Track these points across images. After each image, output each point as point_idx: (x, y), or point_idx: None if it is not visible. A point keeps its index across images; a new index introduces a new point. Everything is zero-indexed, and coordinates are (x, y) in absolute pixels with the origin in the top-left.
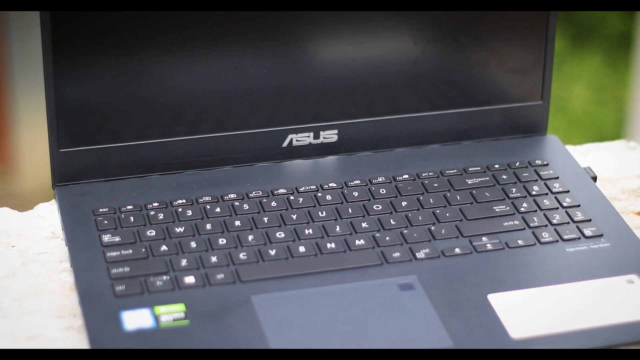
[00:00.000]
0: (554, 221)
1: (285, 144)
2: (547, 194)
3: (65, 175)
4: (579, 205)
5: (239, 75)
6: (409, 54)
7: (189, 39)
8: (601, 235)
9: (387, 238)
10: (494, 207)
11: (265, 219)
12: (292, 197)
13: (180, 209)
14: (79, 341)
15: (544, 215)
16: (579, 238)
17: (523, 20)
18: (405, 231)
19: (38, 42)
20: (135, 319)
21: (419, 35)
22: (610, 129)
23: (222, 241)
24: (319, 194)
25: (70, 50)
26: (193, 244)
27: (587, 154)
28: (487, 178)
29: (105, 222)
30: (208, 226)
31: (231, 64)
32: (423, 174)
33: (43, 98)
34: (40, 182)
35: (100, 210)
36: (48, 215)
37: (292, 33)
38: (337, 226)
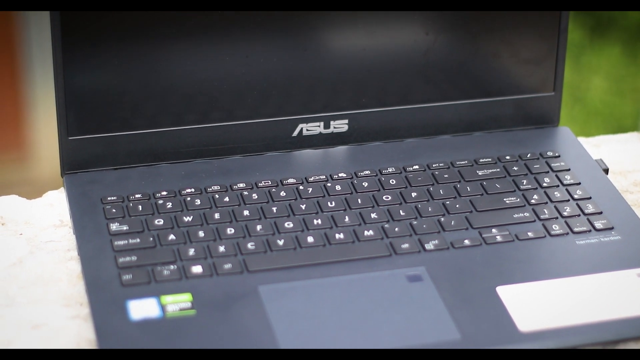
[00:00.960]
0: (565, 213)
1: (295, 133)
2: (558, 186)
3: (74, 163)
4: (590, 198)
5: (250, 64)
6: (421, 44)
7: (200, 28)
8: (612, 228)
9: (396, 229)
10: (504, 199)
11: (274, 209)
12: (301, 187)
13: (188, 198)
14: (85, 330)
15: (555, 207)
16: (590, 231)
17: (536, 11)
18: (415, 222)
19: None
20: (142, 309)
21: (431, 25)
22: (629, 120)
23: (230, 231)
24: (329, 184)
25: (79, 38)
26: (201, 234)
27: (600, 146)
28: (498, 169)
29: (114, 210)
30: (216, 215)
31: (242, 52)
32: (433, 165)
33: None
34: (55, 170)
35: (109, 198)
36: (56, 203)
37: (303, 22)
38: (346, 217)
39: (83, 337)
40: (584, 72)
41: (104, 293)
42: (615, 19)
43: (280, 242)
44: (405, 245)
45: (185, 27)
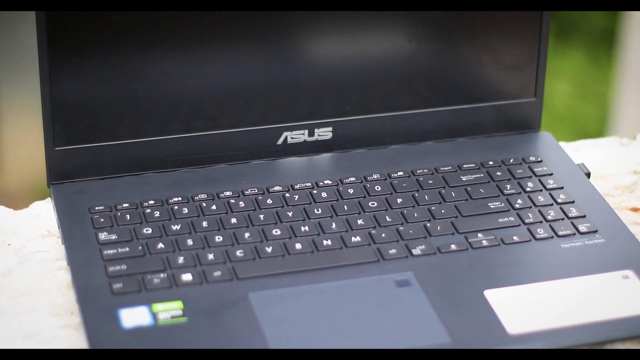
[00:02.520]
0: (549, 217)
1: (280, 141)
2: (541, 190)
3: (61, 174)
4: (574, 202)
5: (235, 73)
6: (404, 52)
7: (185, 37)
8: (596, 231)
9: (383, 235)
10: (489, 204)
11: (261, 216)
12: (287, 195)
13: (176, 207)
14: (77, 339)
15: (539, 211)
16: (574, 234)
17: (517, 17)
18: (401, 228)
19: (22, 41)
20: (133, 317)
21: (413, 32)
22: (593, 125)
23: (218, 238)
24: (315, 191)
25: (66, 48)
26: (189, 242)
27: (580, 151)
28: (482, 175)
29: (102, 220)
30: (204, 224)
31: (227, 62)
32: (418, 171)
33: (26, 97)
34: (23, 181)
35: (96, 208)
36: (43, 213)
37: (288, 31)
38: (333, 223)
39: (75, 346)
40: (548, 77)
41: (95, 302)
42: (578, 24)
43: (269, 249)
44: (393, 251)
45: (171, 36)
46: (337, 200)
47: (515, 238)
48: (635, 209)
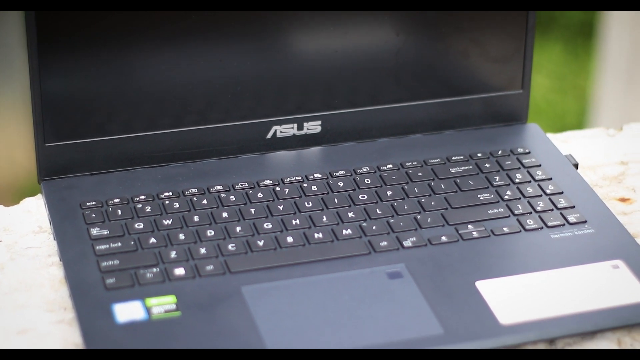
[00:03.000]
0: (538, 208)
1: (269, 135)
2: (530, 181)
3: (51, 170)
4: (562, 193)
5: (224, 68)
6: (391, 45)
7: (174, 33)
8: (585, 221)
9: (374, 227)
10: (479, 195)
11: (252, 210)
12: (277, 188)
13: (167, 202)
14: (71, 334)
15: (528, 202)
16: (563, 225)
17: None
18: (392, 220)
19: (5, 41)
20: (127, 311)
21: (401, 26)
22: (572, 118)
23: (210, 233)
24: (305, 185)
25: (55, 45)
26: (181, 236)
27: (568, 142)
28: (471, 167)
29: (93, 215)
30: (195, 218)
31: (216, 57)
32: (407, 164)
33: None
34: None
35: (88, 203)
36: (34, 209)
37: (276, 25)
38: (324, 216)
39: (69, 341)
40: None
41: (89, 297)
42: (556, 18)
43: (260, 243)
44: (384, 243)
45: (161, 32)
46: (327, 193)
47: (505, 229)
48: (623, 199)
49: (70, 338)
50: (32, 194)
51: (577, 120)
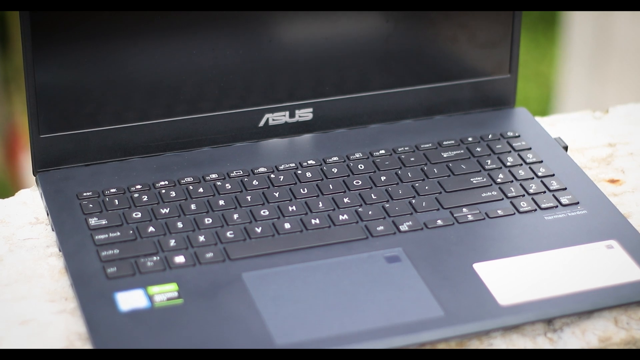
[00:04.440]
0: (531, 191)
1: (261, 123)
2: (521, 164)
3: (46, 161)
4: (554, 175)
5: (216, 57)
6: (381, 31)
7: (165, 24)
8: (577, 203)
9: (370, 212)
10: (471, 179)
11: (249, 198)
12: (272, 176)
13: (163, 191)
14: (74, 324)
15: (520, 185)
16: (556, 206)
17: None
18: (387, 205)
19: None
20: (130, 300)
21: (390, 12)
22: (535, 105)
23: (207, 220)
24: (299, 172)
25: (49, 37)
26: (179, 224)
27: (555, 125)
28: (462, 151)
29: (90, 205)
30: (192, 206)
31: (207, 46)
32: (399, 149)
33: None
34: None
35: (84, 194)
36: (30, 201)
37: (267, 14)
38: (320, 202)
39: (72, 330)
40: None
41: (91, 287)
42: None
43: (258, 230)
44: (381, 228)
45: (151, 23)
46: (322, 179)
47: (500, 212)
48: (612, 181)
49: (73, 327)
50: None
51: (539, 107)
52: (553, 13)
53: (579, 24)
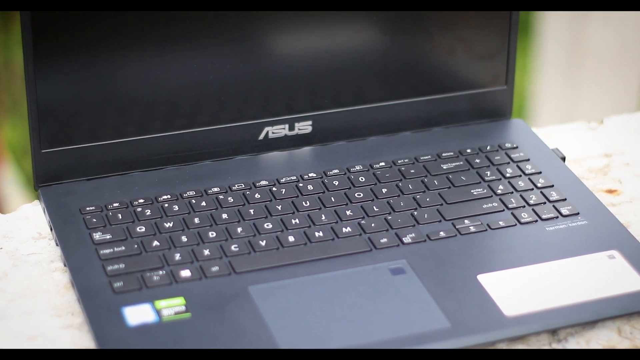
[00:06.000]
0: (531, 202)
1: (261, 136)
2: (520, 175)
3: (48, 176)
4: (553, 186)
5: (216, 71)
6: (379, 44)
7: (165, 38)
8: (577, 213)
9: (373, 224)
10: (472, 191)
11: (251, 211)
12: (274, 189)
13: (166, 205)
14: (80, 339)
15: (521, 196)
16: (557, 217)
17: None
18: (389, 217)
19: None
20: (138, 314)
21: (389, 25)
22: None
23: (212, 234)
24: (300, 185)
25: (51, 52)
26: (184, 238)
27: (551, 136)
28: (461, 163)
29: (94, 220)
30: (196, 220)
31: (207, 60)
32: (399, 161)
33: None
34: None
35: (87, 208)
36: (32, 216)
37: (266, 27)
38: (323, 215)
39: (80, 345)
40: None
41: (98, 301)
42: None
43: (263, 243)
44: (384, 240)
45: (152, 38)
46: (324, 192)
47: (501, 223)
48: (610, 191)
49: (80, 342)
50: None
51: (514, 116)
52: (526, 23)
53: (553, 34)
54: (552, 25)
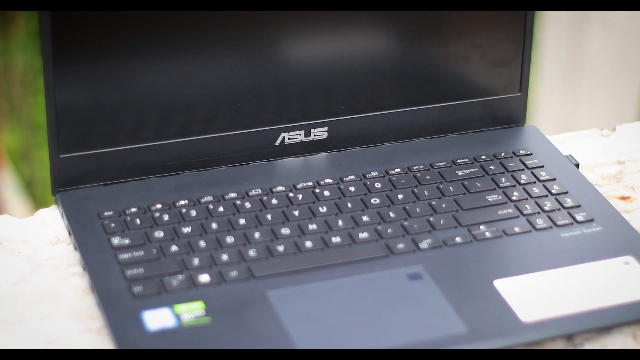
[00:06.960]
0: (546, 208)
1: (277, 142)
2: (535, 182)
3: (66, 181)
4: (567, 192)
5: (234, 77)
6: (396, 51)
7: (185, 43)
8: (592, 220)
9: (389, 230)
10: (487, 197)
11: (269, 216)
12: (291, 194)
13: (184, 210)
14: (100, 343)
15: (535, 202)
16: (572, 223)
17: (503, 15)
18: (406, 223)
19: None
20: (157, 319)
21: (405, 32)
22: None
23: (230, 239)
24: (317, 190)
25: (70, 57)
26: (202, 243)
27: (565, 143)
28: (476, 169)
29: (112, 225)
30: (214, 225)
31: (225, 66)
32: (414, 167)
33: None
34: None
35: (105, 213)
36: (49, 220)
37: (283, 34)
38: (340, 220)
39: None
40: None
41: (117, 306)
42: None
43: (281, 248)
44: (401, 245)
45: (172, 42)
46: (340, 198)
47: (517, 229)
48: (623, 198)
49: (100, 346)
50: None
51: None
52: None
53: (552, 41)
54: (551, 31)
